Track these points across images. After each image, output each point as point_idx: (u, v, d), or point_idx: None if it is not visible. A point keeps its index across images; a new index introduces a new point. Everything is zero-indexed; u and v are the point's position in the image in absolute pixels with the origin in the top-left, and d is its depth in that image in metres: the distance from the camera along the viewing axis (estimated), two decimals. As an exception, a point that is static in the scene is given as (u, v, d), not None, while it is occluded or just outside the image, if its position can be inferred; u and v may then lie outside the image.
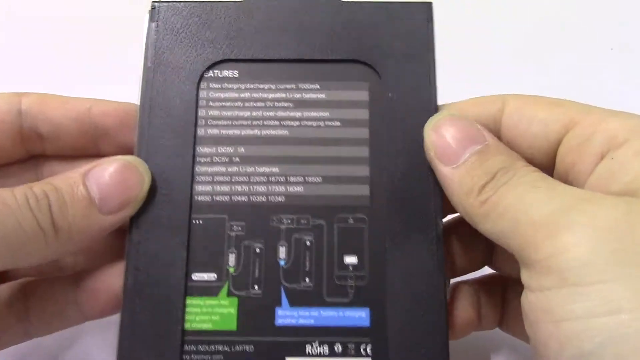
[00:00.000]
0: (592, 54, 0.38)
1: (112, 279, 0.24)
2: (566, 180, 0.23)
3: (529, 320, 0.20)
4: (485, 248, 0.26)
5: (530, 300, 0.20)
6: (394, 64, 0.25)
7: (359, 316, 0.23)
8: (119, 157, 0.23)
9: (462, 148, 0.22)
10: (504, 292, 0.26)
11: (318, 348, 0.23)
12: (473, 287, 0.26)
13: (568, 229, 0.19)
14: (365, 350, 0.23)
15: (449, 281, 0.25)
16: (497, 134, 0.24)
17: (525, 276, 0.20)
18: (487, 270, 0.28)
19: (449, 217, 0.26)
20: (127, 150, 0.25)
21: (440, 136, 0.23)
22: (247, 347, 0.23)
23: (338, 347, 0.23)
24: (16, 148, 0.25)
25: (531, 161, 0.23)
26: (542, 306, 0.19)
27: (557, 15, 0.40)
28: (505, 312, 0.26)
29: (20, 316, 0.25)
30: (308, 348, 0.23)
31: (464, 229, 0.24)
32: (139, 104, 0.25)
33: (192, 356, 0.23)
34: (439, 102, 0.25)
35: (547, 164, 0.23)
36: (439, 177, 0.23)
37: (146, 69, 0.25)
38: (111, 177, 0.23)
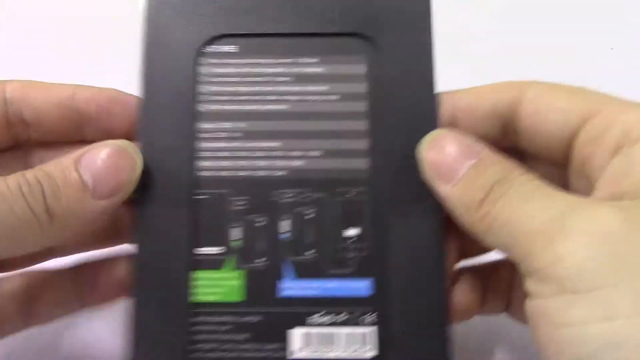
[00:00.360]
0: (592, 54, 0.38)
1: (111, 269, 0.25)
2: (582, 172, 0.23)
3: (532, 324, 0.20)
4: None
5: (531, 305, 0.20)
6: (392, 36, 0.25)
7: (362, 286, 0.24)
8: (110, 141, 0.23)
9: (458, 164, 0.22)
10: (512, 278, 0.26)
11: (322, 318, 0.23)
12: (477, 272, 0.26)
13: (564, 236, 0.19)
14: (368, 319, 0.23)
15: (453, 262, 0.25)
16: (514, 121, 0.24)
17: (527, 283, 0.20)
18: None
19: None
20: (112, 137, 0.25)
21: (435, 155, 0.23)
22: (253, 318, 0.23)
23: (342, 317, 0.23)
24: (3, 135, 0.25)
25: (548, 151, 0.24)
26: (542, 312, 0.20)
27: (557, 15, 0.40)
28: (512, 298, 0.26)
29: (21, 305, 0.25)
30: (312, 318, 0.23)
31: None
32: (139, 80, 0.25)
33: (201, 327, 0.23)
34: (448, 89, 0.25)
35: (564, 154, 0.23)
36: (439, 196, 0.23)
37: (145, 46, 0.25)
38: (103, 162, 0.22)
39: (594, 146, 0.22)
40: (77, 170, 0.22)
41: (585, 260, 0.19)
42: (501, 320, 0.28)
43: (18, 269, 0.26)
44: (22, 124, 0.25)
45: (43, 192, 0.21)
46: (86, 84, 0.26)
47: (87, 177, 0.22)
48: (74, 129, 0.26)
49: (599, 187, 0.22)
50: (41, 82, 0.26)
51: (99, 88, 0.26)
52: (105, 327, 0.30)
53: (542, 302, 0.20)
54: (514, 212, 0.21)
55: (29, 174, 0.22)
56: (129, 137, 0.25)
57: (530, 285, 0.20)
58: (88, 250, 0.27)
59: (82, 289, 0.25)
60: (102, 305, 0.26)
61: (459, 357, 0.23)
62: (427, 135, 0.24)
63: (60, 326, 0.30)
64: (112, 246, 0.27)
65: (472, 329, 0.26)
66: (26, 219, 0.21)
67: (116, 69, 0.26)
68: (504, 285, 0.26)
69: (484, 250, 0.27)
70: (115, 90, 0.26)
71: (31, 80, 0.25)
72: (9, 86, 0.25)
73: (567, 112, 0.23)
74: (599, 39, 0.38)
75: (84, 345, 0.30)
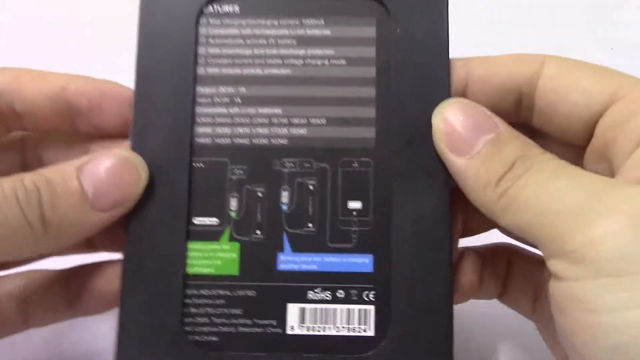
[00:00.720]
0: (592, 54, 0.36)
1: (99, 281, 0.24)
2: (604, 156, 0.21)
3: (559, 308, 0.19)
4: None
5: (561, 288, 0.19)
6: None
7: (362, 262, 0.23)
8: (117, 151, 0.22)
9: (474, 137, 0.21)
10: (509, 264, 0.26)
11: (320, 294, 0.22)
12: (478, 254, 0.25)
13: (601, 217, 0.18)
14: (367, 296, 0.22)
15: (458, 240, 0.24)
16: (530, 97, 0.23)
17: (555, 265, 0.19)
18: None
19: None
20: (103, 132, 0.24)
21: (450, 125, 0.21)
22: (249, 292, 0.23)
23: (340, 293, 0.22)
24: None
25: (566, 132, 0.22)
26: (575, 296, 0.18)
27: (557, 15, 0.39)
28: (508, 284, 0.26)
29: (19, 305, 0.25)
30: (310, 294, 0.22)
31: None
32: (136, 41, 0.24)
33: (194, 300, 0.22)
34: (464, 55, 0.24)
35: (582, 136, 0.22)
36: (451, 170, 0.22)
37: (143, 5, 0.24)
38: (107, 173, 0.21)
39: (619, 131, 0.21)
40: (78, 178, 0.21)
41: (625, 243, 0.18)
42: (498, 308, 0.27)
43: (12, 268, 0.26)
44: (14, 115, 0.24)
45: (40, 200, 0.20)
46: (81, 74, 0.25)
47: (88, 187, 0.21)
48: (67, 121, 0.25)
49: (623, 172, 0.20)
50: (35, 71, 0.24)
51: (93, 80, 0.24)
52: (106, 328, 0.30)
53: (574, 285, 0.18)
54: (539, 190, 0.19)
55: (27, 178, 0.21)
56: (119, 133, 0.24)
57: (559, 267, 0.19)
58: (78, 253, 0.26)
59: (71, 297, 0.25)
60: (90, 315, 0.25)
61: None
62: (442, 103, 0.22)
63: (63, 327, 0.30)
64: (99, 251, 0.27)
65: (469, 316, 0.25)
66: (19, 225, 0.20)
67: (116, 69, 0.25)
68: (501, 270, 0.26)
69: (485, 228, 0.26)
70: (109, 82, 0.24)
71: (24, 69, 0.24)
72: (1, 76, 0.24)
73: (591, 93, 0.21)
74: (599, 39, 0.38)
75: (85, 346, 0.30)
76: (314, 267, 0.23)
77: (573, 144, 0.23)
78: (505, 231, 0.26)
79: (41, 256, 0.26)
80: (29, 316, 0.25)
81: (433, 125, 0.22)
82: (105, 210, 0.22)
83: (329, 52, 0.24)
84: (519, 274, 0.25)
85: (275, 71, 0.24)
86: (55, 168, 0.22)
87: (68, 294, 0.25)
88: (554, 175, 0.20)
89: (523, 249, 0.26)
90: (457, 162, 0.21)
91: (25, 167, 0.25)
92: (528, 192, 0.20)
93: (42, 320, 0.26)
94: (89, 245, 0.26)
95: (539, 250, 0.20)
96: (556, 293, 0.19)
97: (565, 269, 0.19)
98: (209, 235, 0.23)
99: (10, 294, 0.25)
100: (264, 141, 0.23)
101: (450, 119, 0.22)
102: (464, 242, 0.25)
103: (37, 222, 0.20)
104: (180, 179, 0.23)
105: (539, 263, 0.25)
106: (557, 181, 0.19)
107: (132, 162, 0.22)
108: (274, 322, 0.22)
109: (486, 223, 0.25)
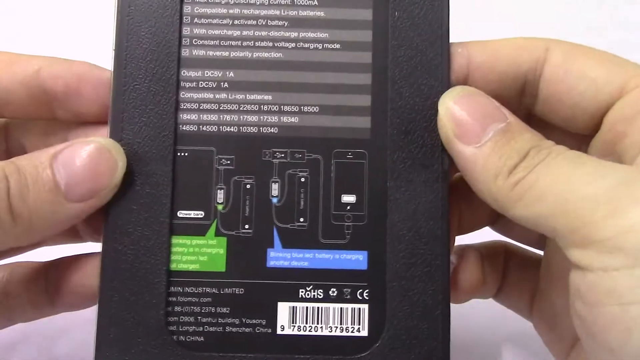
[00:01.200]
0: None
1: (77, 276, 0.23)
2: (612, 149, 0.20)
3: (586, 301, 0.18)
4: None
5: (589, 280, 0.18)
6: None
7: (356, 259, 0.22)
8: (95, 139, 0.21)
9: (483, 126, 0.20)
10: (505, 262, 0.25)
11: (312, 292, 0.21)
12: (479, 252, 0.24)
13: (633, 205, 0.17)
14: (361, 295, 0.21)
15: (455, 237, 0.23)
16: (535, 85, 0.22)
17: (580, 256, 0.18)
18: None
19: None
20: (82, 119, 0.23)
21: (458, 113, 0.20)
22: (237, 290, 0.21)
23: (333, 292, 0.21)
24: None
25: (570, 122, 0.21)
26: (607, 287, 0.17)
27: (556, 15, 0.39)
28: (505, 282, 0.25)
29: (2, 299, 0.24)
30: (301, 292, 0.21)
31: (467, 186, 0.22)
32: (114, 20, 0.22)
33: (179, 298, 0.21)
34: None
35: (588, 127, 0.21)
36: (458, 159, 0.20)
37: None
38: (82, 162, 0.20)
39: (630, 124, 0.20)
40: (51, 167, 0.20)
41: None
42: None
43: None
44: None
45: (8, 190, 0.19)
46: (58, 57, 0.23)
47: (61, 177, 0.20)
48: (44, 108, 0.23)
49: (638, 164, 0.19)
50: (7, 53, 0.23)
51: (69, 63, 0.23)
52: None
53: (606, 276, 0.17)
54: (561, 178, 0.18)
55: None
56: (100, 120, 0.23)
57: (586, 257, 0.18)
58: (65, 243, 0.25)
59: (51, 291, 0.24)
60: (71, 310, 0.24)
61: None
62: (449, 91, 0.21)
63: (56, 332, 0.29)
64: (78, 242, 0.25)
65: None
66: None
67: (96, 50, 0.24)
68: (499, 268, 0.25)
69: (478, 226, 0.25)
70: (87, 64, 0.23)
71: None
72: None
73: (602, 83, 0.20)
74: (599, 39, 0.37)
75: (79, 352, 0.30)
76: (305, 264, 0.22)
77: (577, 134, 0.22)
78: (501, 229, 0.25)
79: (18, 249, 0.25)
80: (12, 311, 0.24)
81: (439, 112, 0.21)
82: (79, 200, 0.20)
83: (323, 35, 0.22)
84: (516, 272, 0.25)
85: (265, 54, 0.22)
86: (29, 156, 0.21)
87: (48, 287, 0.24)
88: (576, 163, 0.19)
89: (519, 246, 0.25)
90: (465, 151, 0.20)
91: (10, 154, 0.24)
92: (547, 181, 0.19)
93: (24, 315, 0.25)
94: (75, 235, 0.25)
95: (557, 241, 0.19)
96: (582, 285, 0.18)
97: (593, 259, 0.18)
98: (194, 229, 0.22)
99: None
100: (253, 129, 0.22)
101: (457, 107, 0.21)
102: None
103: (5, 213, 0.19)
104: (163, 169, 0.22)
105: (536, 262, 0.24)
106: (580, 169, 0.18)
107: (109, 150, 0.21)
108: (263, 322, 0.21)
109: (480, 221, 0.25)
